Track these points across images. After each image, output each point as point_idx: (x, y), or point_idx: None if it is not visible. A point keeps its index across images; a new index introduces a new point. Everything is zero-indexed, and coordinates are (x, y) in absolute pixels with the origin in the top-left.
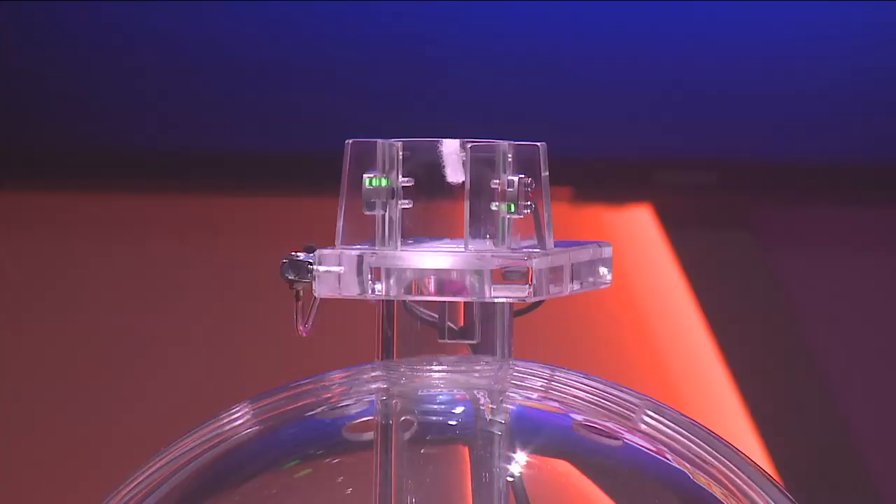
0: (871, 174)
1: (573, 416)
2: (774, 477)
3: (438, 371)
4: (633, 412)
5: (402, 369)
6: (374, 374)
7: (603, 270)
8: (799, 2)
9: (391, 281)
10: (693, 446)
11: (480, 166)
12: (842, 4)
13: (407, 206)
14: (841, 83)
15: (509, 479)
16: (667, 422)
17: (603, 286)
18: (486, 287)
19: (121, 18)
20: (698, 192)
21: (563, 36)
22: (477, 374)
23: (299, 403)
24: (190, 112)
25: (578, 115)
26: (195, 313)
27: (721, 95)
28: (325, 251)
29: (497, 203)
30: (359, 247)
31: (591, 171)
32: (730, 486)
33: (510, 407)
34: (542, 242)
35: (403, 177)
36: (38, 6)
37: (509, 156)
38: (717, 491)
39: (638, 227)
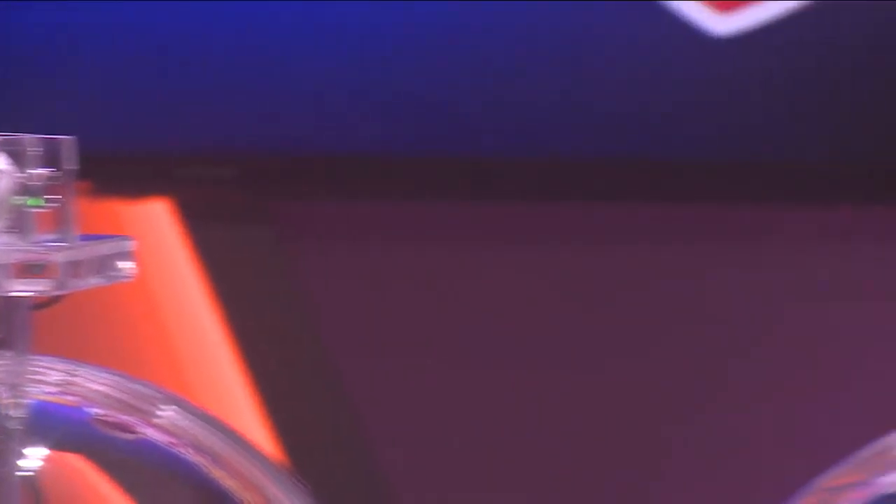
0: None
1: (91, 410)
2: (285, 465)
3: None
4: (150, 406)
5: None
6: None
7: (124, 264)
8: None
9: None
10: (209, 439)
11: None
12: None
13: None
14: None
15: (24, 474)
16: (184, 415)
17: (125, 279)
18: (6, 281)
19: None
20: (219, 186)
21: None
22: None
23: None
24: None
25: (101, 109)
26: None
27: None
28: None
29: (22, 196)
30: None
31: (111, 166)
32: (244, 476)
33: (28, 402)
34: (66, 236)
35: None
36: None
37: (36, 149)
38: (232, 483)
39: (156, 222)
